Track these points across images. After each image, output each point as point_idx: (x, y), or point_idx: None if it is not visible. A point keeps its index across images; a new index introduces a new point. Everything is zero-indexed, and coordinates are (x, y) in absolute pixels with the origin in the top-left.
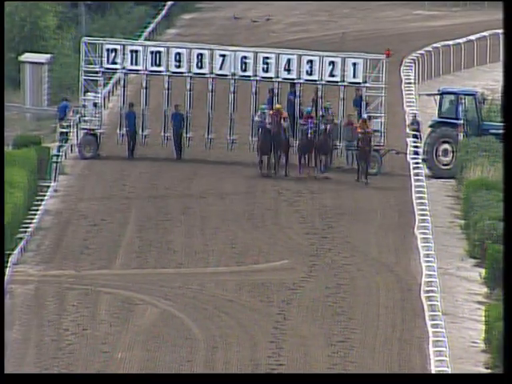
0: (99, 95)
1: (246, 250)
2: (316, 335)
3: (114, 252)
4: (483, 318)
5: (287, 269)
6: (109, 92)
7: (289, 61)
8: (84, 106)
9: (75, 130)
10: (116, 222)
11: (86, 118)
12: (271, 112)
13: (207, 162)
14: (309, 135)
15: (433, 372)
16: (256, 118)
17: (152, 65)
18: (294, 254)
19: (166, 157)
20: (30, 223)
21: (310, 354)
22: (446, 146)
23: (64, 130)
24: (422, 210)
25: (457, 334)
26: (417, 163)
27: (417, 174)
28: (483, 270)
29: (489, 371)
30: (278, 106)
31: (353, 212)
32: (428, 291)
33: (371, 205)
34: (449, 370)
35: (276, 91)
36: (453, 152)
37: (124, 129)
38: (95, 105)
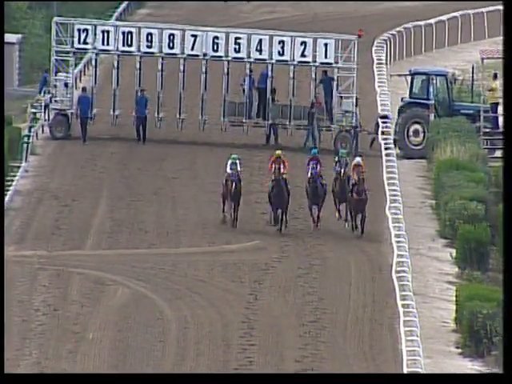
0: (70, 75)
1: (218, 230)
2: (287, 315)
3: (86, 232)
4: (454, 298)
5: (259, 249)
6: (80, 72)
7: (260, 41)
8: (55, 86)
9: (46, 110)
10: (87, 202)
11: (57, 99)
12: (272, 159)
13: (179, 143)
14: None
15: (403, 352)
16: (227, 169)
17: (123, 45)
18: (265, 234)
19: (146, 136)
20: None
21: (282, 334)
22: (417, 126)
23: (35, 111)
24: (393, 190)
25: (428, 313)
26: (388, 143)
27: (388, 155)
28: (454, 250)
29: (459, 351)
30: (278, 152)
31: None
32: (399, 271)
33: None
34: (420, 350)
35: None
36: (424, 132)
37: (77, 112)
38: (66, 85)
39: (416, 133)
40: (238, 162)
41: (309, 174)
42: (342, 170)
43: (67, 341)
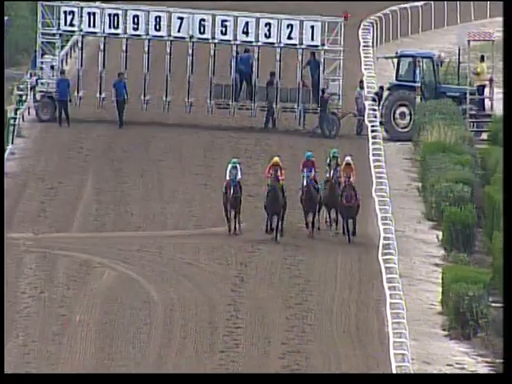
0: (56, 58)
1: (204, 212)
2: (274, 298)
3: (72, 215)
4: (440, 280)
5: (245, 231)
6: (66, 54)
7: (247, 23)
8: (41, 69)
9: (32, 92)
10: (73, 184)
11: (43, 81)
12: (269, 165)
13: (165, 125)
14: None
15: (390, 334)
16: (227, 173)
17: (109, 27)
18: (251, 216)
19: (124, 119)
20: None
21: (268, 317)
22: (404, 108)
23: (21, 93)
24: (379, 172)
25: (414, 296)
26: (374, 126)
27: (374, 137)
28: (440, 233)
29: (445, 333)
30: (275, 158)
31: None
32: (385, 253)
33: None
34: (406, 332)
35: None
36: (410, 115)
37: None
38: (52, 67)
39: (402, 115)
40: (238, 166)
41: (304, 182)
42: (331, 174)
43: (53, 323)
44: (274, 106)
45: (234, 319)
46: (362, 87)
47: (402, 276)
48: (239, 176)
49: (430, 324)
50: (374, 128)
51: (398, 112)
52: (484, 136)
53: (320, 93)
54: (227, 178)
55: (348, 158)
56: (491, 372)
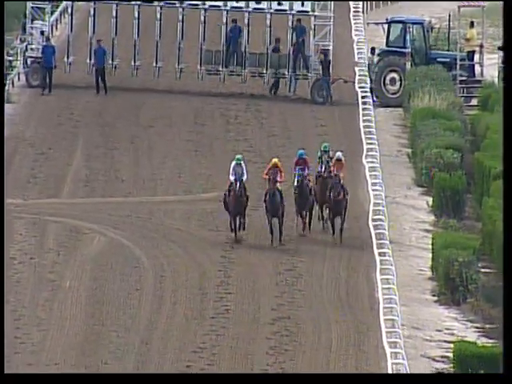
0: (46, 23)
1: (194, 178)
2: (264, 263)
3: (62, 181)
4: (430, 246)
5: None
6: (56, 20)
7: None
8: (31, 35)
9: (22, 58)
10: (63, 150)
11: (33, 47)
12: (268, 166)
13: (155, 91)
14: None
15: (380, 300)
16: (230, 175)
17: None
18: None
19: (113, 85)
20: None
21: (258, 283)
22: (394, 74)
23: (11, 58)
24: (370, 138)
25: (404, 261)
26: (364, 92)
27: (364, 103)
28: (430, 199)
29: (435, 299)
30: (274, 159)
31: (301, 140)
32: (375, 220)
33: (318, 132)
34: (396, 298)
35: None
36: (400, 81)
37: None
38: (42, 33)
39: (392, 81)
40: (242, 163)
41: (295, 182)
42: (322, 169)
43: (43, 289)
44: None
45: (225, 285)
46: (373, 53)
47: (392, 242)
48: (245, 176)
49: (419, 290)
50: (365, 94)
51: (388, 78)
52: (474, 102)
53: (322, 57)
54: (230, 177)
55: (339, 154)
56: (480, 337)
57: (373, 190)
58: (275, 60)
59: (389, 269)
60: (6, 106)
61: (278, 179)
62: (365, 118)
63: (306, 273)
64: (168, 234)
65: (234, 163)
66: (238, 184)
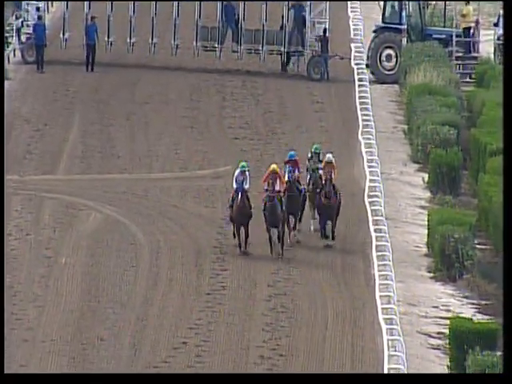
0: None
1: (190, 155)
2: (260, 240)
3: (58, 157)
4: (426, 223)
5: (231, 174)
6: None
7: None
8: (27, 11)
9: (18, 34)
10: (59, 127)
11: (29, 23)
12: (267, 173)
13: (151, 67)
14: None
15: (376, 276)
16: (234, 183)
17: None
18: (238, 159)
19: (109, 61)
20: None
21: (254, 259)
22: (390, 51)
23: (6, 35)
24: (366, 115)
25: (400, 238)
26: (360, 68)
27: (360, 80)
28: (426, 175)
29: (431, 275)
30: (273, 165)
31: (297, 117)
32: (371, 196)
33: (315, 109)
34: (392, 274)
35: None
36: (396, 57)
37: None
38: (38, 9)
39: (388, 58)
40: (247, 171)
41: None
42: (310, 177)
43: (39, 265)
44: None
45: (221, 262)
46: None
47: (388, 218)
48: (247, 185)
49: (415, 266)
50: (360, 70)
51: (384, 54)
52: (470, 78)
53: (322, 33)
54: (234, 185)
55: (329, 156)
56: (476, 313)
57: (369, 167)
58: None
59: (384, 245)
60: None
61: (277, 188)
62: (361, 94)
63: (302, 249)
64: (164, 211)
65: (238, 170)
66: (240, 195)
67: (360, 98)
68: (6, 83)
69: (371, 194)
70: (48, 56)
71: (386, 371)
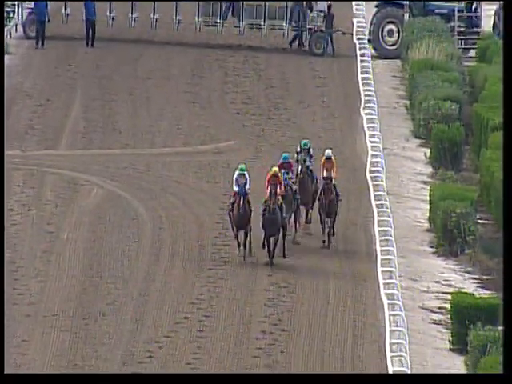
0: None
1: (192, 130)
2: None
3: (60, 132)
4: (428, 198)
5: (233, 150)
6: None
7: None
8: None
9: (19, 9)
10: (61, 102)
11: None
12: (268, 176)
13: (153, 43)
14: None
15: (378, 251)
16: (234, 186)
17: None
18: (239, 134)
19: (111, 37)
20: None
21: (256, 234)
22: (392, 26)
23: (8, 9)
24: (368, 90)
25: (402, 213)
26: (362, 43)
27: (362, 55)
28: (428, 150)
29: (433, 250)
30: (274, 168)
31: (299, 92)
32: (373, 171)
33: (316, 84)
34: (394, 250)
35: None
36: (398, 32)
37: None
38: None
39: (390, 33)
40: (246, 174)
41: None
42: (300, 167)
43: (41, 241)
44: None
45: (223, 237)
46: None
47: (390, 194)
48: (247, 185)
49: (417, 241)
50: (363, 46)
51: (386, 29)
52: (472, 53)
53: (326, 9)
54: (234, 188)
55: (328, 152)
56: (478, 288)
57: (371, 142)
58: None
59: (386, 220)
60: (5, 57)
61: (278, 190)
62: (363, 69)
63: (303, 225)
64: (166, 186)
65: (237, 173)
66: (241, 198)
67: (362, 73)
68: (8, 58)
69: (373, 169)
70: (50, 31)
71: (387, 346)
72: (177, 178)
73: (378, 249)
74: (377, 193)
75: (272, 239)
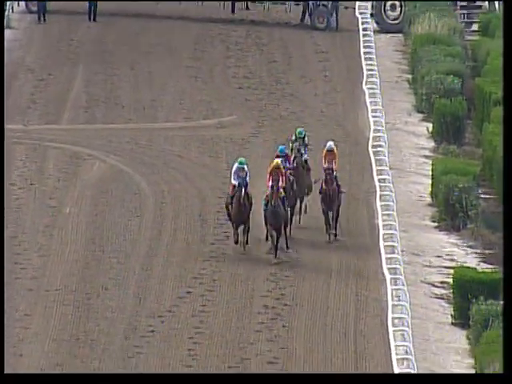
0: None
1: (194, 105)
2: (264, 189)
3: (62, 107)
4: (430, 172)
5: (235, 124)
6: None
7: None
8: None
9: None
10: (63, 76)
11: None
12: (270, 169)
13: (155, 17)
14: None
15: (380, 226)
16: (232, 179)
17: None
18: (242, 109)
19: (113, 11)
20: None
21: (258, 208)
22: (394, 0)
23: None
24: (370, 64)
25: (404, 188)
26: (365, 18)
27: (365, 29)
28: (430, 125)
29: (435, 224)
30: (277, 161)
31: (301, 66)
32: (375, 146)
33: (319, 59)
34: (396, 224)
35: None
36: (401, 6)
37: None
38: None
39: (393, 7)
40: (245, 167)
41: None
42: (295, 157)
43: (44, 215)
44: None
45: (225, 211)
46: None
47: (392, 168)
48: (247, 178)
49: (419, 216)
50: (365, 20)
51: (388, 4)
52: (474, 27)
53: None
54: (232, 181)
55: (330, 144)
56: (480, 263)
57: (373, 117)
58: None
59: (388, 195)
60: (6, 31)
61: (281, 183)
62: (365, 44)
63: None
64: (168, 161)
65: (236, 166)
66: (241, 191)
67: (364, 47)
68: (10, 32)
69: (375, 143)
70: (52, 6)
71: (389, 321)
72: (179, 152)
73: (381, 223)
74: (379, 167)
75: (275, 232)
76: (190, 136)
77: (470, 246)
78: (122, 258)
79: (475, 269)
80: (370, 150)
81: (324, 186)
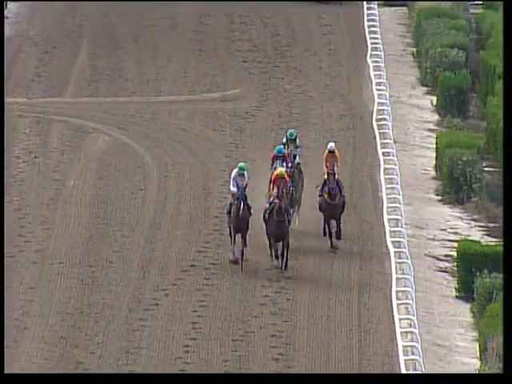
0: None
1: (199, 78)
2: (267, 160)
3: (66, 80)
4: (434, 146)
5: (240, 97)
6: None
7: None
8: None
9: None
10: (67, 49)
11: None
12: (273, 177)
13: None
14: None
15: (384, 199)
16: (231, 186)
17: None
18: (246, 82)
19: None
20: None
21: (262, 182)
22: None
23: None
24: (374, 38)
25: (408, 161)
26: None
27: (369, 2)
28: (434, 98)
29: (439, 198)
30: (280, 169)
31: (305, 40)
32: (379, 119)
33: (323, 32)
34: (400, 197)
35: None
36: None
37: None
38: None
39: None
40: (245, 173)
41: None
42: (289, 162)
43: (48, 188)
44: None
45: (228, 185)
46: None
47: (396, 141)
48: (246, 179)
49: (423, 189)
50: None
51: None
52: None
53: None
54: (231, 187)
55: (331, 145)
56: (484, 236)
57: (377, 90)
58: None
59: (393, 168)
60: (10, 4)
61: (284, 190)
62: (369, 17)
63: (309, 170)
64: (172, 134)
65: (235, 171)
66: (241, 203)
67: (368, 20)
68: (14, 5)
69: (379, 117)
70: None
71: (393, 294)
72: (183, 125)
73: (385, 196)
74: (383, 141)
75: (279, 244)
76: (194, 109)
77: (474, 220)
78: (126, 231)
79: (479, 242)
80: (374, 123)
81: (326, 196)
